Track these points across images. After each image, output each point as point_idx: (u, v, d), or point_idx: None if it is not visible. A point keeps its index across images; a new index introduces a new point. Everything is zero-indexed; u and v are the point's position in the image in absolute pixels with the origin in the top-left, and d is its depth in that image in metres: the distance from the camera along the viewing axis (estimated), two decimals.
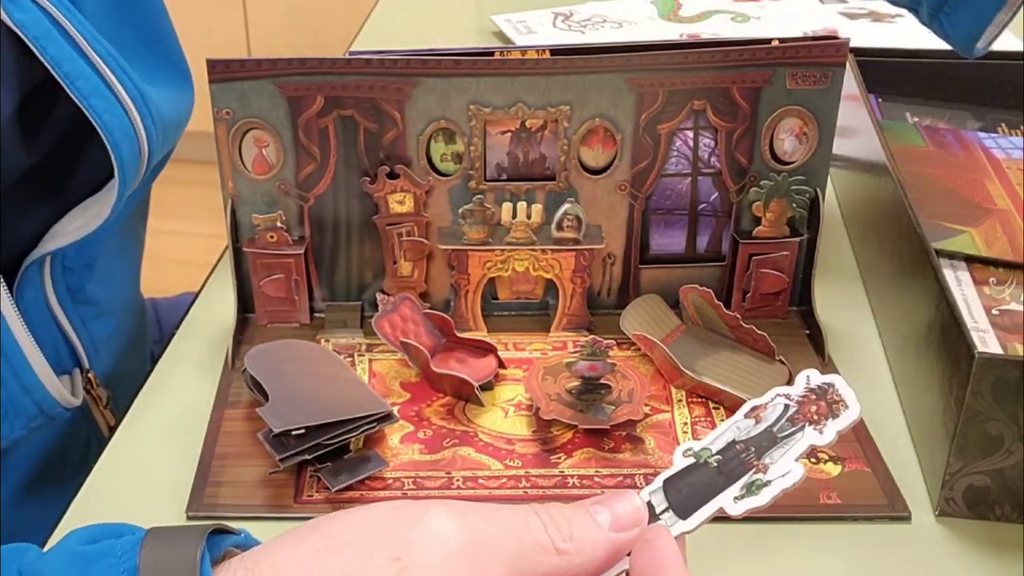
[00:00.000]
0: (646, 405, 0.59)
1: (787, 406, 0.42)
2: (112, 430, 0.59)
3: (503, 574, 0.38)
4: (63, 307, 0.65)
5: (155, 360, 0.64)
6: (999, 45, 1.02)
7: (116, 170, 0.58)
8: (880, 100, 0.82)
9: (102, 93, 0.57)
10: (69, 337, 0.66)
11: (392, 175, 0.63)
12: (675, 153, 0.64)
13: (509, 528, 0.39)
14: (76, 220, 0.62)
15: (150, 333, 0.82)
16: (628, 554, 0.41)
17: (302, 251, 0.64)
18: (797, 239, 0.65)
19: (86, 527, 0.39)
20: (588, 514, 0.41)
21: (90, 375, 0.67)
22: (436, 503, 0.39)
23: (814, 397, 0.41)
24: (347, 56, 0.60)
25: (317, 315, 0.67)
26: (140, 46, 0.62)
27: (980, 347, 0.49)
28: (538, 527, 0.40)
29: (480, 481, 0.55)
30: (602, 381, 0.59)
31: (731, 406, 0.60)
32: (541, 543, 0.39)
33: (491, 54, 0.61)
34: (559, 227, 0.64)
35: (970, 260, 0.64)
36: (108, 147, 0.57)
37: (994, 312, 0.59)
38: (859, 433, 0.58)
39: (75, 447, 0.68)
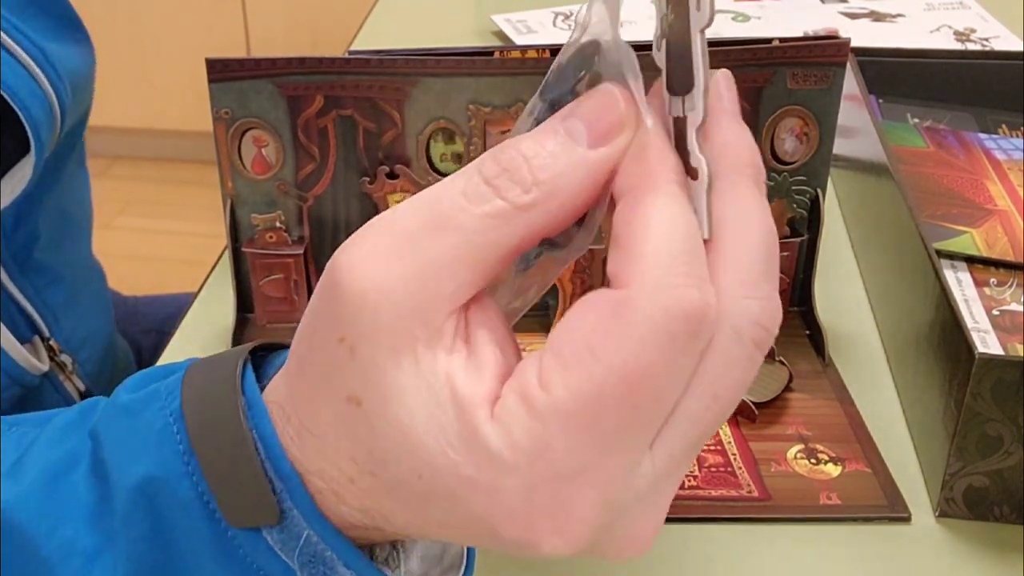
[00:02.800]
0: None
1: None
2: (84, 396, 0.59)
3: (464, 278, 0.30)
4: (11, 276, 0.65)
5: (146, 358, 0.64)
6: (1000, 45, 1.03)
7: (29, 131, 0.58)
8: (881, 101, 0.82)
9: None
10: (22, 306, 0.66)
11: (392, 175, 0.62)
12: None
13: (442, 215, 0.30)
14: (3, 189, 0.62)
15: (110, 298, 0.82)
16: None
17: (301, 251, 0.64)
18: (797, 240, 0.65)
19: (139, 372, 0.37)
20: (550, 135, 0.31)
21: (51, 343, 0.67)
22: (340, 253, 0.31)
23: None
24: (347, 56, 0.60)
25: None
26: (29, 5, 0.62)
27: (980, 348, 0.49)
28: (479, 187, 0.30)
29: None
30: None
31: None
32: (496, 208, 0.30)
33: (491, 54, 0.61)
34: None
35: (971, 261, 0.63)
36: (16, 110, 0.56)
37: (995, 313, 0.59)
38: (859, 434, 0.58)
39: None
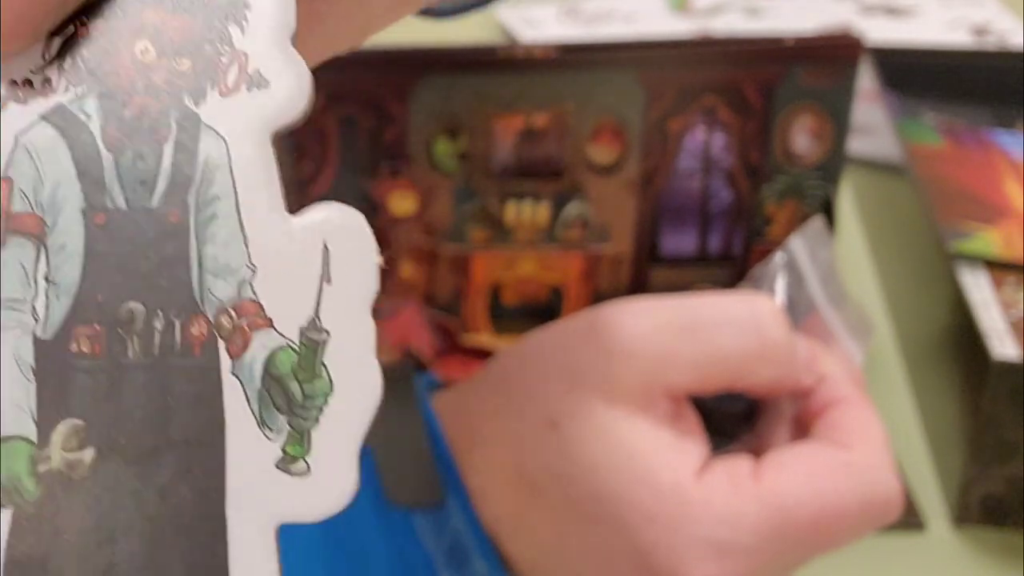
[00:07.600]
0: None
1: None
2: None
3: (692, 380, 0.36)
4: None
5: None
6: (1017, 39, 1.01)
7: None
8: (896, 97, 0.81)
9: None
10: None
11: (394, 174, 0.62)
12: (686, 151, 0.63)
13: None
14: None
15: None
16: None
17: None
18: None
19: None
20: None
21: None
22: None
23: None
24: (348, 53, 0.59)
25: None
26: None
27: (997, 351, 0.48)
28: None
29: None
30: None
31: None
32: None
33: (496, 49, 0.60)
34: (566, 227, 0.63)
35: (988, 263, 0.62)
36: None
37: (1012, 316, 0.58)
38: None
39: None
